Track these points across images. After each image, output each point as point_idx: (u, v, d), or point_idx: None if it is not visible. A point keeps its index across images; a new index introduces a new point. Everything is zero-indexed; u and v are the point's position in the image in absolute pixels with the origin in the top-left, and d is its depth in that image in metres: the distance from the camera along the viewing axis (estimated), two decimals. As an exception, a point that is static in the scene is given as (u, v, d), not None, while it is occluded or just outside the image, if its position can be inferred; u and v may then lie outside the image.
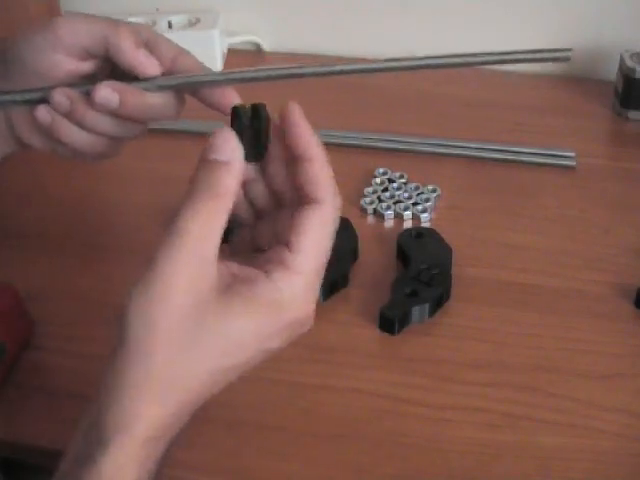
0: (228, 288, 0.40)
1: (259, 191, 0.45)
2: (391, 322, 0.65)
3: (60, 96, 0.51)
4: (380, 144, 0.88)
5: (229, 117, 0.43)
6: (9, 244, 0.77)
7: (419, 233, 0.73)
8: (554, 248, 0.74)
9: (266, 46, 1.07)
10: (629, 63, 0.89)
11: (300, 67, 0.49)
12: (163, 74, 0.51)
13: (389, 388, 0.62)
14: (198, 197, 0.40)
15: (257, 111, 0.42)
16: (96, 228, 0.79)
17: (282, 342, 0.42)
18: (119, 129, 0.53)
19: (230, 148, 0.41)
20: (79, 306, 0.70)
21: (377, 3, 1.02)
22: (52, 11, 1.05)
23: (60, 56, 0.51)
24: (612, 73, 0.94)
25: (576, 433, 0.58)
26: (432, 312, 0.67)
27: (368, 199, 0.79)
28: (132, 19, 1.04)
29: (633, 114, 0.91)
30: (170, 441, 0.42)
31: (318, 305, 0.68)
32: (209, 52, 1.02)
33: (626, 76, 0.90)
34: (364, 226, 0.77)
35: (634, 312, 0.68)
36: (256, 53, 1.07)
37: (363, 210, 0.79)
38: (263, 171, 0.44)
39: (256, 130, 0.42)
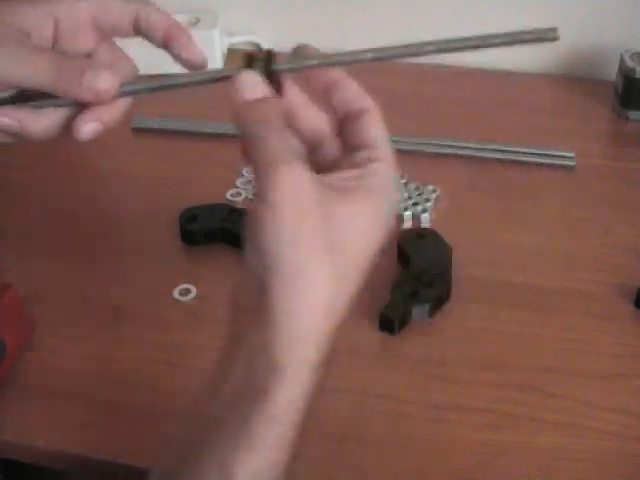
0: (345, 189, 0.41)
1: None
2: (391, 322, 0.65)
3: None
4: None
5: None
6: (9, 244, 0.77)
7: (419, 234, 0.73)
8: (554, 248, 0.74)
9: (266, 46, 1.07)
10: (629, 63, 0.89)
11: None
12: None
13: (389, 388, 0.62)
14: (271, 130, 0.42)
15: (269, 55, 0.45)
16: (96, 228, 0.79)
17: (384, 231, 0.43)
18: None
19: (262, 86, 0.44)
20: (79, 306, 0.70)
21: (377, 3, 1.02)
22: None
23: None
24: (612, 73, 0.94)
25: (576, 433, 0.58)
26: (432, 312, 0.67)
27: (368, 199, 0.79)
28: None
29: (633, 114, 0.91)
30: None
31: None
32: (209, 52, 1.01)
33: (626, 76, 0.90)
34: (364, 226, 0.77)
35: (634, 312, 0.68)
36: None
37: (363, 210, 0.79)
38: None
39: (268, 72, 0.45)
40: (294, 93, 0.46)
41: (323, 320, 0.40)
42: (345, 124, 0.46)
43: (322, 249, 0.40)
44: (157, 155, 0.90)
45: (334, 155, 0.46)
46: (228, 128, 0.91)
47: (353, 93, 0.46)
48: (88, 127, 0.47)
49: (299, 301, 0.39)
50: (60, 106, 0.47)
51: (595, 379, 0.62)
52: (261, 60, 0.45)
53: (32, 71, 0.46)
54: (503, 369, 0.63)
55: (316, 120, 0.46)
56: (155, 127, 0.93)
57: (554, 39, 0.44)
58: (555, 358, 0.64)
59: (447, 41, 0.45)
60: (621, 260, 0.73)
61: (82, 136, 0.47)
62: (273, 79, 0.45)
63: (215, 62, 1.02)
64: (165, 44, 0.50)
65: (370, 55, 0.46)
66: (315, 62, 0.46)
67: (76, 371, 0.64)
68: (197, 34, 1.02)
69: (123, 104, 0.48)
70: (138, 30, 0.50)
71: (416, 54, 0.46)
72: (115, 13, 0.50)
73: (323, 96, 0.46)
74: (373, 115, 0.46)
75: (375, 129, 0.46)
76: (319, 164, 0.45)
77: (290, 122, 0.45)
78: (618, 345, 0.65)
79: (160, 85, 0.48)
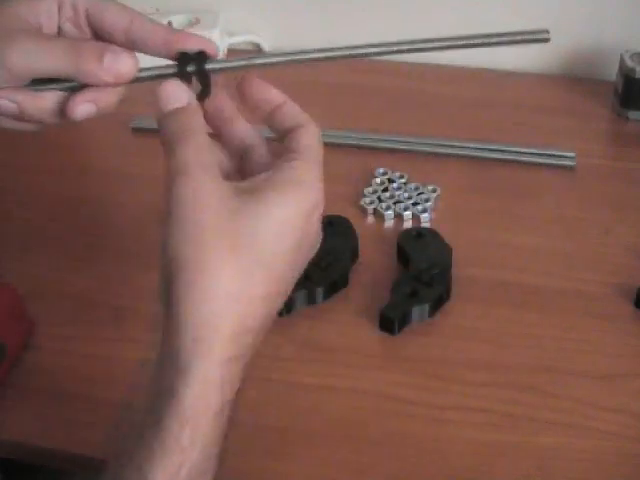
0: (256, 188, 0.42)
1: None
2: (391, 322, 0.65)
3: None
4: (380, 144, 0.88)
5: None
6: (9, 244, 0.77)
7: (419, 233, 0.73)
8: (554, 248, 0.74)
9: (266, 46, 1.07)
10: (629, 63, 0.89)
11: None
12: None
13: (389, 388, 0.62)
14: (180, 142, 0.44)
15: (200, 54, 0.47)
16: (96, 228, 0.79)
17: (315, 225, 0.45)
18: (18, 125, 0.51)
19: (183, 93, 0.46)
20: (79, 306, 0.70)
21: (378, 3, 1.02)
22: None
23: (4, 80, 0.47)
24: (612, 73, 0.94)
25: (576, 433, 0.58)
26: (432, 312, 0.67)
27: (368, 199, 0.79)
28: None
29: (633, 114, 0.91)
30: (244, 373, 0.42)
31: (318, 305, 0.69)
32: (209, 52, 1.02)
33: (626, 76, 0.90)
34: (364, 226, 0.77)
35: (634, 312, 0.68)
36: (256, 53, 1.08)
37: (363, 210, 0.79)
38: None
39: (201, 71, 0.47)
40: (222, 100, 0.48)
41: (228, 316, 0.41)
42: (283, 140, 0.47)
43: (226, 249, 0.41)
44: (157, 155, 0.89)
45: (265, 165, 0.47)
46: (228, 128, 0.91)
47: (291, 110, 0.47)
48: (82, 107, 0.47)
49: (201, 299, 0.40)
50: (66, 90, 0.47)
51: (595, 379, 0.62)
52: (195, 60, 0.47)
53: (53, 60, 0.46)
54: (503, 369, 0.63)
55: (242, 128, 0.48)
56: (155, 127, 0.92)
57: (545, 40, 0.45)
58: (555, 358, 0.64)
59: (438, 40, 0.46)
60: (621, 260, 0.73)
61: (75, 116, 0.47)
62: (205, 79, 0.47)
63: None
64: (166, 50, 0.48)
65: (315, 55, 0.47)
66: (244, 62, 0.48)
67: (76, 371, 0.64)
68: (197, 34, 1.03)
69: (121, 91, 0.48)
70: (130, 40, 0.48)
71: (384, 53, 0.47)
72: (109, 16, 0.49)
73: (264, 119, 0.48)
74: (307, 128, 0.46)
75: (305, 139, 0.46)
76: (248, 171, 0.47)
77: (215, 128, 0.47)
78: (618, 345, 0.65)
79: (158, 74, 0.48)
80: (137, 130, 0.92)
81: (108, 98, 0.48)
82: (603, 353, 0.64)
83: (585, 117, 0.93)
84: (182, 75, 0.47)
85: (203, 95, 0.47)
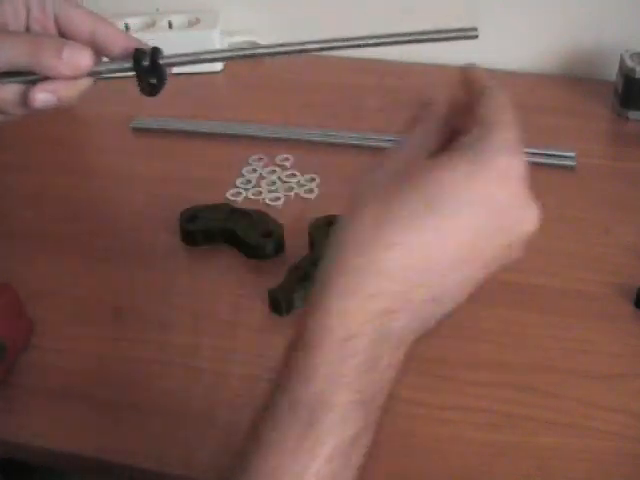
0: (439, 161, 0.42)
1: None
2: (391, 322, 0.65)
3: None
4: (380, 144, 0.88)
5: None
6: (9, 244, 0.77)
7: (419, 233, 0.73)
8: (554, 248, 0.74)
9: (266, 46, 1.07)
10: (629, 63, 0.89)
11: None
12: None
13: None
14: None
15: (154, 49, 0.50)
16: (96, 228, 0.79)
17: (514, 203, 0.42)
18: None
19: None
20: (79, 306, 0.70)
21: (378, 5, 1.02)
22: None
23: None
24: (612, 73, 0.94)
25: (576, 433, 0.58)
26: (432, 312, 0.67)
27: (368, 199, 0.79)
28: (131, 19, 1.04)
29: (633, 114, 0.91)
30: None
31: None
32: (209, 52, 1.02)
33: (626, 76, 0.90)
34: (364, 226, 0.77)
35: (634, 312, 0.68)
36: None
37: (363, 210, 0.79)
38: None
39: (155, 65, 0.50)
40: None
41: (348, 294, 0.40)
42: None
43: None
44: (157, 155, 0.90)
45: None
46: (228, 128, 0.91)
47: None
48: (42, 96, 0.49)
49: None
50: (29, 82, 0.50)
51: (595, 379, 0.62)
52: (148, 55, 0.50)
53: (15, 54, 0.48)
54: (503, 369, 0.63)
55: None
56: (155, 127, 0.93)
57: (474, 37, 0.48)
58: (555, 358, 0.64)
59: (371, 37, 0.49)
60: (621, 260, 0.73)
61: (36, 105, 0.49)
62: (160, 73, 0.50)
63: (215, 62, 1.02)
64: (123, 56, 0.51)
65: (273, 50, 0.50)
66: (194, 58, 0.50)
67: (76, 371, 0.64)
68: (197, 34, 1.03)
69: (84, 84, 0.51)
70: (93, 44, 0.51)
71: (330, 49, 0.50)
72: (76, 21, 0.52)
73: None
74: (495, 92, 0.48)
75: (498, 97, 0.48)
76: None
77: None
78: (618, 345, 0.65)
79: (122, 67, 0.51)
80: (137, 130, 0.93)
81: (68, 90, 0.50)
82: (603, 353, 0.64)
83: (585, 117, 0.93)
84: (137, 69, 0.50)
85: (158, 87, 0.50)
